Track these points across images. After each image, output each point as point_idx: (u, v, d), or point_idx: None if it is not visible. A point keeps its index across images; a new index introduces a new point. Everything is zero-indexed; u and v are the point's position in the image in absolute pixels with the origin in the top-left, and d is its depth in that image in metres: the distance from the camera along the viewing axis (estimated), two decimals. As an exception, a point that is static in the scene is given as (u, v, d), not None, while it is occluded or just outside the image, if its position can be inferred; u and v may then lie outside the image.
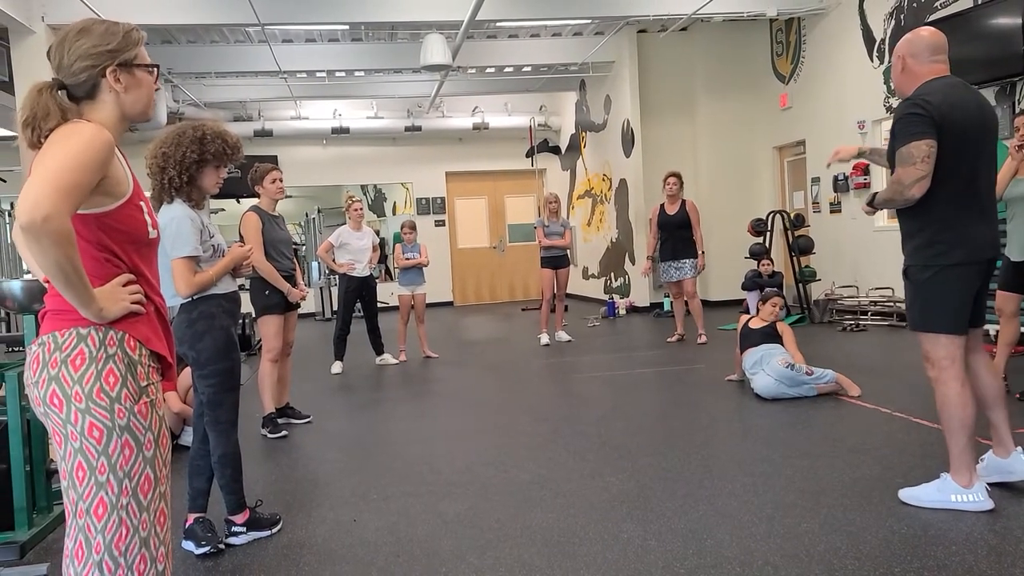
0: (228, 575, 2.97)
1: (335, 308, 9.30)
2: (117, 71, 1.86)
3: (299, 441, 5.00)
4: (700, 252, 8.17)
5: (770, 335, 5.65)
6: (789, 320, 8.97)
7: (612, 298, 11.93)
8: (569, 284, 9.07)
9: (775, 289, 5.95)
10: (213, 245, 3.24)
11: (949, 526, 2.96)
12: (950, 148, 2.99)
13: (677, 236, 8.15)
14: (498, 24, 10.31)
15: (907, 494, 3.24)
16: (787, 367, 5.19)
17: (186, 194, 3.13)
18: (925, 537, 2.87)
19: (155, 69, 1.96)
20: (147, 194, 2.02)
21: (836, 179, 9.52)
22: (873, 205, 3.28)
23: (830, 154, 3.63)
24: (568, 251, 8.71)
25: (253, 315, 5.29)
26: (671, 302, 8.57)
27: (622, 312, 11.60)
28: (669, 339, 8.28)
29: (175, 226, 3.08)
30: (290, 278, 5.22)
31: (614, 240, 12.47)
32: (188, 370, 3.80)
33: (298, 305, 5.33)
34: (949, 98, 3.01)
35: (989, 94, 7.03)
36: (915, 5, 8.10)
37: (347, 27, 10.17)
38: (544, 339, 8.75)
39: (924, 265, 3.10)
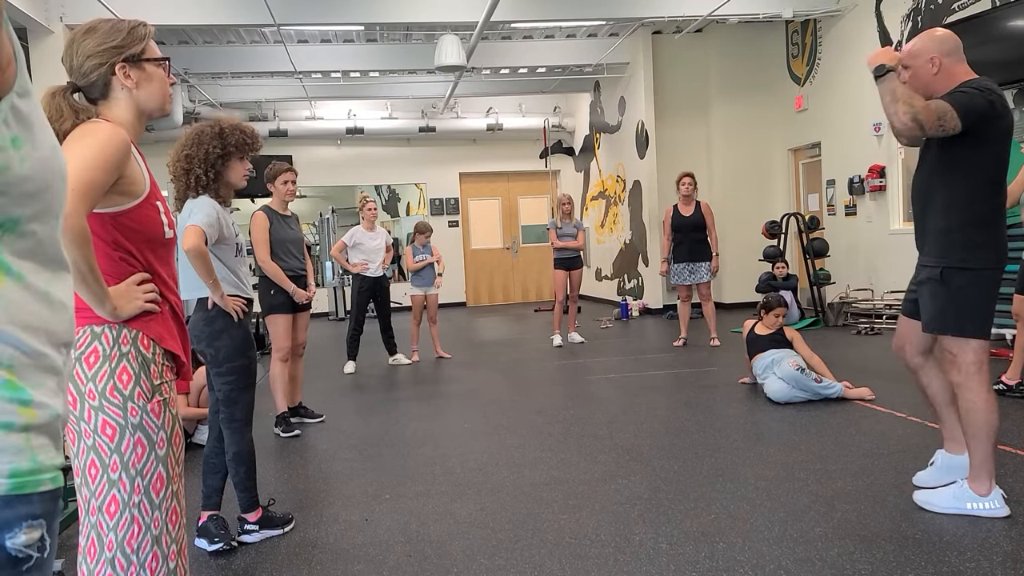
0: (240, 573, 2.98)
1: (348, 308, 9.33)
2: (126, 66, 1.87)
3: (312, 440, 5.01)
4: (715, 254, 8.14)
5: (778, 340, 5.61)
6: (803, 323, 8.95)
7: (625, 300, 11.90)
8: (582, 285, 9.06)
9: (778, 295, 5.89)
10: (237, 244, 3.28)
11: (964, 532, 2.93)
12: (1003, 150, 2.98)
13: (693, 238, 8.10)
14: (513, 25, 10.31)
15: (922, 499, 3.22)
16: (797, 369, 5.15)
17: (214, 191, 3.16)
18: (940, 543, 2.85)
19: (166, 62, 1.96)
20: (165, 194, 2.03)
21: (851, 181, 9.47)
22: (879, 76, 3.02)
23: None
24: (581, 252, 8.70)
25: (262, 313, 5.30)
26: (679, 304, 8.54)
27: (635, 314, 11.57)
28: (675, 343, 8.23)
29: (197, 207, 3.11)
30: (300, 278, 5.24)
31: (627, 242, 12.45)
32: (202, 370, 3.82)
33: (308, 305, 5.34)
34: (1003, 100, 2.98)
35: (1007, 96, 6.97)
36: (932, 7, 8.04)
37: (362, 28, 10.20)
38: (557, 340, 8.74)
39: (961, 268, 2.99)
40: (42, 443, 0.83)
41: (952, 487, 3.17)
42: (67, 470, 3.48)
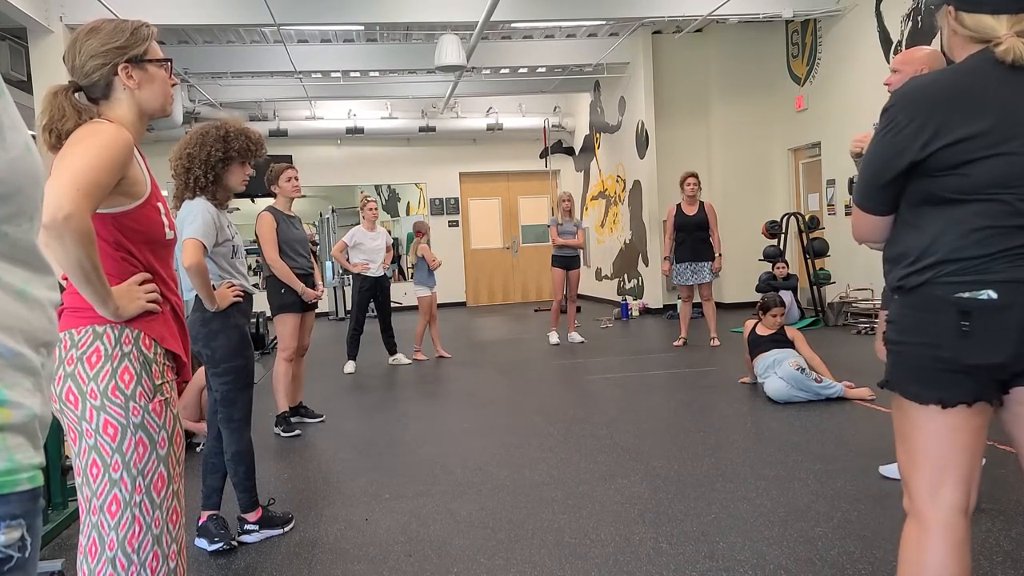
0: (240, 573, 2.99)
1: (348, 308, 9.34)
2: (128, 67, 1.87)
3: (312, 440, 5.02)
4: (717, 255, 8.15)
5: (780, 340, 5.61)
6: (803, 323, 8.95)
7: (625, 299, 11.90)
8: (582, 285, 9.06)
9: (774, 296, 5.89)
10: (233, 245, 3.28)
11: (964, 532, 2.93)
12: None
13: (696, 237, 8.12)
14: (513, 25, 10.31)
15: (888, 471, 3.26)
16: (798, 369, 5.16)
17: (211, 193, 3.17)
18: (940, 543, 2.85)
19: (168, 64, 1.96)
20: (165, 193, 2.03)
21: (851, 181, 9.44)
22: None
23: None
24: (580, 252, 8.70)
25: (269, 314, 5.32)
26: (680, 304, 8.55)
27: (635, 314, 11.57)
28: (675, 343, 8.24)
29: (192, 214, 3.12)
30: (308, 277, 5.26)
31: (627, 241, 12.45)
32: (201, 370, 3.83)
33: (315, 305, 5.36)
34: None
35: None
36: (932, 7, 8.04)
37: (362, 27, 10.20)
38: (554, 338, 8.74)
39: None
40: (19, 443, 0.82)
41: None
42: (68, 469, 3.48)
